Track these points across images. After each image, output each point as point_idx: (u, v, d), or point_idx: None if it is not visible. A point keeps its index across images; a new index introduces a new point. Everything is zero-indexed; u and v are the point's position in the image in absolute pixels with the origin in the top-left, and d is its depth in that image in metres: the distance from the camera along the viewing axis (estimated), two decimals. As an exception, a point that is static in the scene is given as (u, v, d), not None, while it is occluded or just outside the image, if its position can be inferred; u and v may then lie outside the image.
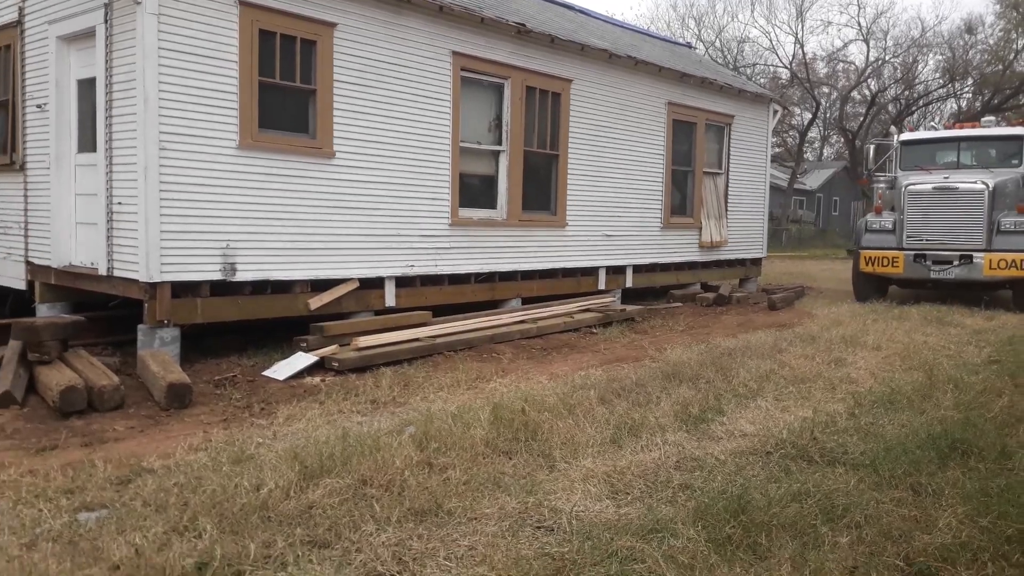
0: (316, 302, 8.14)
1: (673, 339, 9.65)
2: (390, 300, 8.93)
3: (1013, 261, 12.23)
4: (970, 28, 43.05)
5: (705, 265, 14.05)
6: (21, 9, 8.42)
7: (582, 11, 15.10)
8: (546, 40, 10.48)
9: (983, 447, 4.97)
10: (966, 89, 45.99)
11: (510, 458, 4.77)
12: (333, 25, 8.18)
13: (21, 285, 8.59)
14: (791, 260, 28.07)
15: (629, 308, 11.09)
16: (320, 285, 8.28)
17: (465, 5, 9.51)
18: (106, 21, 7.27)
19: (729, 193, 14.29)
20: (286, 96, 7.97)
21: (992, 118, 16.87)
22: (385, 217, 8.79)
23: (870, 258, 13.28)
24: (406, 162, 8.98)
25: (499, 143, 10.23)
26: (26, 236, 8.49)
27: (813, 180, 48.98)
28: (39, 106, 8.21)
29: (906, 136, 15.06)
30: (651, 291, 13.10)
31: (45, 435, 5.28)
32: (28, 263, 8.48)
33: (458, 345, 8.43)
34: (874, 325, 10.37)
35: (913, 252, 12.97)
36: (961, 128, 15.09)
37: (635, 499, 4.21)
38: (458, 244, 9.66)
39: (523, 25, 10.04)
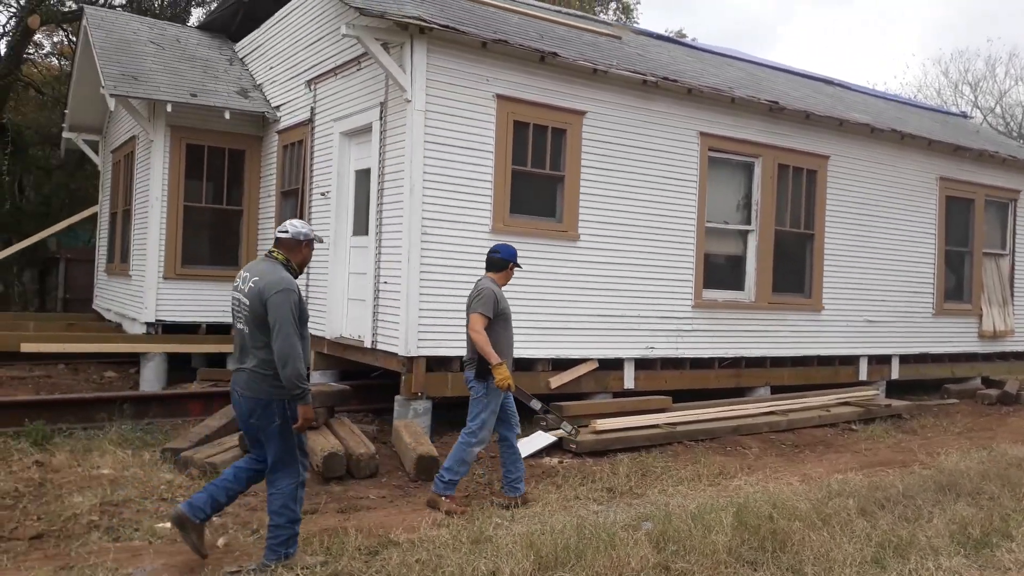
0: (556, 381, 8.24)
1: (948, 442, 8.55)
2: (629, 382, 8.81)
3: None
4: None
5: (987, 357, 12.45)
6: (312, 109, 9.62)
7: (841, 84, 14.39)
8: (800, 117, 10.05)
9: None
10: None
11: (755, 569, 4.40)
12: (583, 113, 8.45)
13: (300, 353, 9.55)
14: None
15: (895, 403, 10.03)
16: (561, 364, 8.39)
17: (714, 86, 9.42)
18: (381, 118, 8.07)
19: (1015, 276, 12.64)
20: (536, 182, 8.31)
21: None
22: (626, 298, 8.76)
23: None
24: (649, 243, 8.94)
25: (748, 222, 9.87)
26: (306, 309, 9.47)
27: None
28: (323, 194, 9.25)
29: None
30: (920, 384, 11.78)
31: (308, 498, 5.72)
32: (306, 333, 9.44)
33: (699, 434, 8.06)
34: None
35: None
36: None
37: (904, 636, 3.68)
38: (701, 326, 9.35)
39: (775, 103, 9.72)
